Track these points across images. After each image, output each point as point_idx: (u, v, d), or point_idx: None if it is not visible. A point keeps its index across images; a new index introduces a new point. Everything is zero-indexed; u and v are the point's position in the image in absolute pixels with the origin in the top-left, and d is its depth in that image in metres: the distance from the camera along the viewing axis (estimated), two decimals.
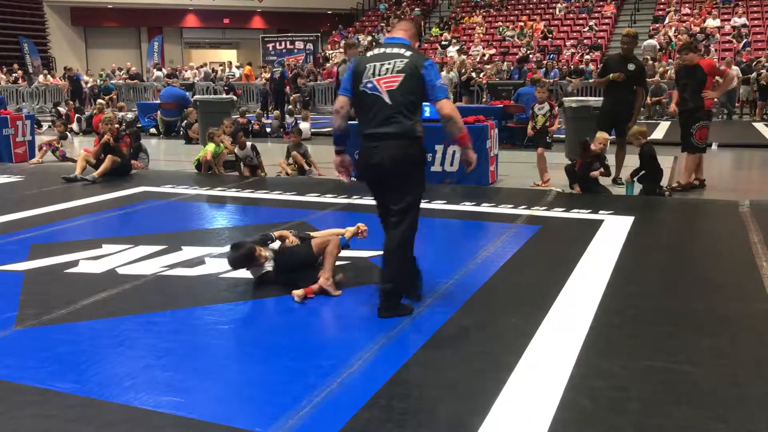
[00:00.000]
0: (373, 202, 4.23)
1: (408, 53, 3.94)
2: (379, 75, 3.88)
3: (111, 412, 2.86)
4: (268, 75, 22.29)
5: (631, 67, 8.00)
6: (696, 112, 7.67)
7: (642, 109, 16.67)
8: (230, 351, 3.52)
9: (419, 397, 2.96)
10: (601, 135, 7.57)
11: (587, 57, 21.37)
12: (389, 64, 3.89)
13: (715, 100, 17.48)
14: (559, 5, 26.15)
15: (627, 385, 3.05)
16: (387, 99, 3.85)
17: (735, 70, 17.77)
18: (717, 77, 8.02)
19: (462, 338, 3.61)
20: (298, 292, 4.27)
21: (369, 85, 3.89)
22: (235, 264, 4.50)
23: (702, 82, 7.62)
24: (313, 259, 4.49)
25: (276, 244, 4.63)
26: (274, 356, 3.44)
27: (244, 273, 4.78)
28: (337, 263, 4.69)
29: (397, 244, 3.93)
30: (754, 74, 17.60)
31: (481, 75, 19.51)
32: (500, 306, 4.14)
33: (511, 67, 20.53)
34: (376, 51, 4.04)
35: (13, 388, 3.08)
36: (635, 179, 7.59)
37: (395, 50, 3.95)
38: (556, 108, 8.70)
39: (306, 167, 9.57)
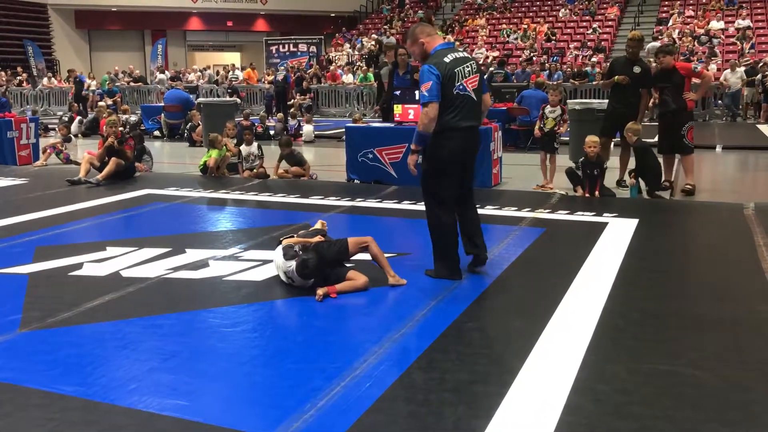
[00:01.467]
0: (377, 205, 4.39)
1: (470, 56, 4.74)
2: (465, 77, 4.51)
3: (115, 415, 2.86)
4: (270, 78, 22.34)
5: (636, 69, 8.01)
6: (680, 113, 7.76)
7: (646, 111, 16.72)
8: (234, 354, 3.52)
9: (423, 400, 2.96)
10: (590, 138, 7.56)
11: (594, 59, 21.32)
12: (468, 66, 4.54)
13: (722, 102, 17.59)
14: (562, 10, 26.12)
15: (631, 389, 3.04)
16: (473, 96, 4.57)
17: (739, 71, 17.77)
18: (695, 79, 8.09)
19: (466, 341, 3.60)
20: (321, 291, 4.31)
21: (461, 87, 4.50)
22: (316, 275, 4.44)
23: (680, 85, 7.73)
24: (347, 256, 4.55)
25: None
26: (278, 359, 3.44)
27: (248, 276, 4.79)
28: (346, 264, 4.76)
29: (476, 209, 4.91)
30: (759, 76, 17.57)
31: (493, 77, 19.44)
32: (504, 309, 4.14)
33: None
34: (451, 56, 4.51)
35: (18, 391, 3.08)
36: (639, 180, 7.60)
37: (461, 54, 4.64)
38: (566, 114, 8.70)
39: (303, 175, 9.52)
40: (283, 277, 4.59)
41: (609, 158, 8.23)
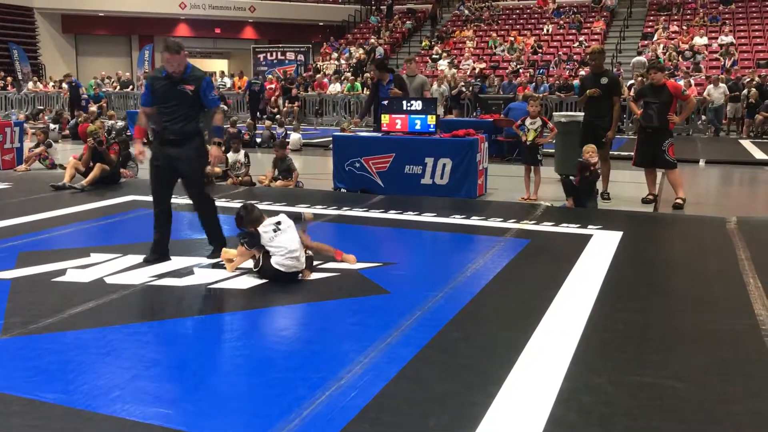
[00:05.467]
0: (363, 214, 4.52)
1: None
2: None
3: (97, 423, 2.84)
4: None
5: (603, 80, 8.19)
6: (663, 130, 7.92)
7: (630, 124, 16.85)
8: (218, 362, 3.50)
9: (408, 410, 2.96)
10: (588, 146, 7.64)
11: (581, 72, 21.45)
12: None
13: (705, 117, 17.80)
14: (547, 25, 26.31)
15: (615, 400, 3.06)
16: None
17: (722, 86, 17.98)
18: (681, 101, 8.22)
19: (451, 352, 3.61)
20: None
21: None
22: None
23: (667, 103, 7.85)
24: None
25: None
26: (262, 368, 3.42)
27: (233, 284, 4.77)
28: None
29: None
30: (745, 91, 17.78)
31: (471, 88, 19.60)
32: (489, 320, 4.15)
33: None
34: None
35: None
36: None
37: None
38: (550, 123, 8.74)
39: (291, 185, 9.45)
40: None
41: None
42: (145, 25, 31.85)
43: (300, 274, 4.85)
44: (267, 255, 4.76)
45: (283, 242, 4.75)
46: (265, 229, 4.81)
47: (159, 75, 5.35)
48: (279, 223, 4.87)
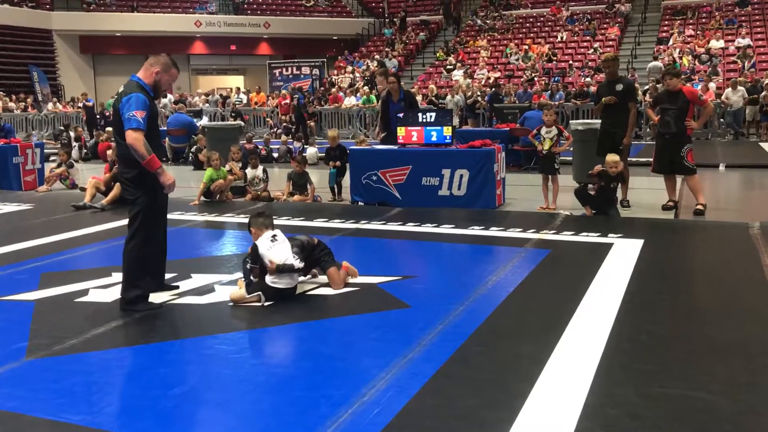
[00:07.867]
0: (382, 227, 4.57)
1: (121, 89, 4.65)
2: None
3: None
4: (274, 102, 22.41)
5: (619, 87, 8.19)
6: (681, 136, 7.86)
7: (648, 130, 16.72)
8: (241, 381, 3.50)
9: (432, 427, 2.93)
10: (611, 157, 7.58)
11: (588, 79, 21.38)
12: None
13: (724, 120, 17.64)
14: (561, 33, 26.26)
15: (642, 413, 3.01)
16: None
17: (741, 90, 17.81)
18: (698, 106, 8.12)
19: (474, 366, 3.58)
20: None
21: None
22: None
23: (684, 108, 7.80)
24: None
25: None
26: (285, 386, 3.42)
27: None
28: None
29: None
30: (763, 93, 17.61)
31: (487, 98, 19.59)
32: (511, 333, 4.12)
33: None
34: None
35: (24, 420, 3.06)
36: None
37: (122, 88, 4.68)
38: (566, 132, 8.68)
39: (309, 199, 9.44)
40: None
41: None
42: (162, 43, 32.12)
43: (302, 278, 4.93)
44: (263, 275, 4.76)
45: (276, 254, 4.75)
46: (262, 241, 4.83)
47: (147, 94, 4.60)
48: (275, 236, 4.89)
